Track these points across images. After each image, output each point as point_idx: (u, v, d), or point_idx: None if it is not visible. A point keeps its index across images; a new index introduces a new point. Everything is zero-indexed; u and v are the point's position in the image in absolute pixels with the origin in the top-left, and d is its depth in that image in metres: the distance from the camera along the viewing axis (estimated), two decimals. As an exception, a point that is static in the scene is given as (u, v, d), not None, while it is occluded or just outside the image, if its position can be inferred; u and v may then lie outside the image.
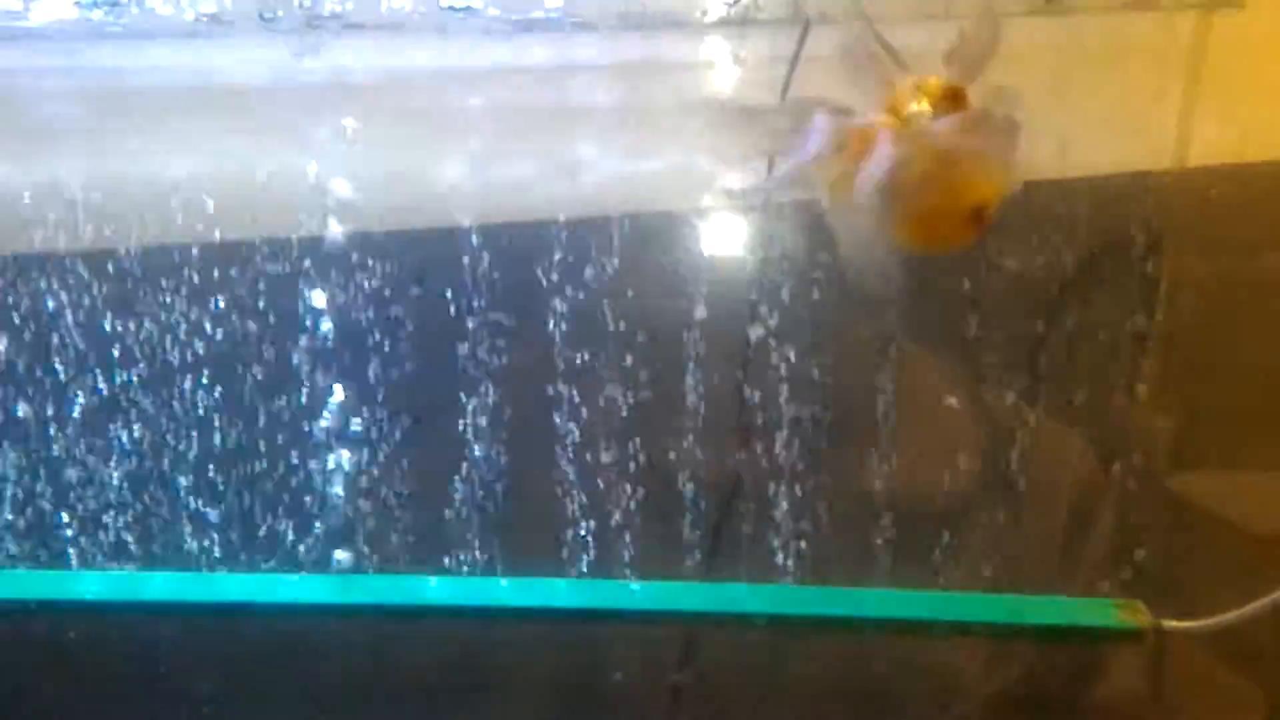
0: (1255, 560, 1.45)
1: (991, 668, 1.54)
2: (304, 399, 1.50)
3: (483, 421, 1.51)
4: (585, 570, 1.48)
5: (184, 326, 1.50)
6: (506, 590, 1.47)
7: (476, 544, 1.50)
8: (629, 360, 1.50)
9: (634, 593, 1.46)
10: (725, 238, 1.55)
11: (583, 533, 1.50)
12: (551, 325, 1.50)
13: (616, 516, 1.50)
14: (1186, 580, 1.51)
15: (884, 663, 1.56)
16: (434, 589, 1.48)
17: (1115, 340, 1.54)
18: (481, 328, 1.50)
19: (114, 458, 1.52)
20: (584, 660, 1.59)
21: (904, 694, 1.58)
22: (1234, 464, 1.60)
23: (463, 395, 1.50)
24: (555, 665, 1.57)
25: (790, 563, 1.48)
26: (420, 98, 1.49)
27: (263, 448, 1.51)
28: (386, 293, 1.50)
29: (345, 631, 1.55)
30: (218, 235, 1.47)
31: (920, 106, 0.93)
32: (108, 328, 1.49)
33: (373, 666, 1.56)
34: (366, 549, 1.51)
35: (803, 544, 1.48)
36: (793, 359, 1.50)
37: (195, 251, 1.47)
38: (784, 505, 1.49)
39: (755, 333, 1.50)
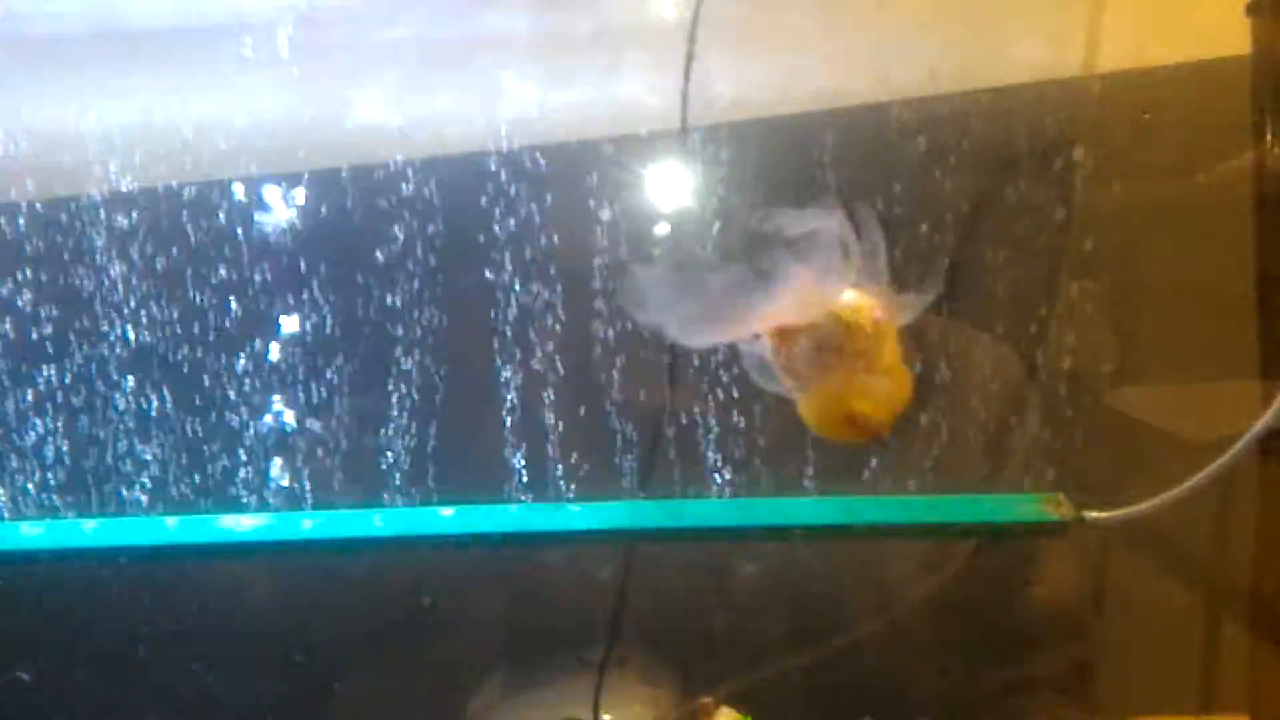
0: (1184, 463, 1.49)
1: (924, 568, 1.58)
2: (239, 340, 1.52)
3: (418, 356, 1.53)
4: (523, 496, 1.50)
5: (110, 274, 1.51)
6: (449, 519, 1.49)
7: (415, 475, 1.53)
8: (559, 288, 1.52)
9: (574, 514, 1.48)
10: (649, 165, 1.57)
11: (519, 459, 1.52)
12: (483, 257, 1.51)
13: (552, 442, 1.52)
14: (1119, 485, 1.55)
15: (819, 570, 1.60)
16: (376, 522, 1.50)
17: (1034, 251, 1.58)
18: (411, 263, 1.51)
19: (40, 408, 1.53)
20: (529, 583, 1.63)
21: (840, 599, 1.63)
22: (1157, 376, 1.64)
23: (397, 329, 1.52)
24: (501, 590, 1.62)
25: (724, 477, 1.51)
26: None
27: (197, 390, 1.52)
28: (312, 233, 1.51)
29: (290, 569, 1.57)
30: (134, 183, 1.48)
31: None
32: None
33: (319, 602, 1.59)
34: (306, 485, 1.53)
35: (735, 457, 1.51)
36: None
37: (110, 200, 1.48)
38: (714, 421, 1.52)
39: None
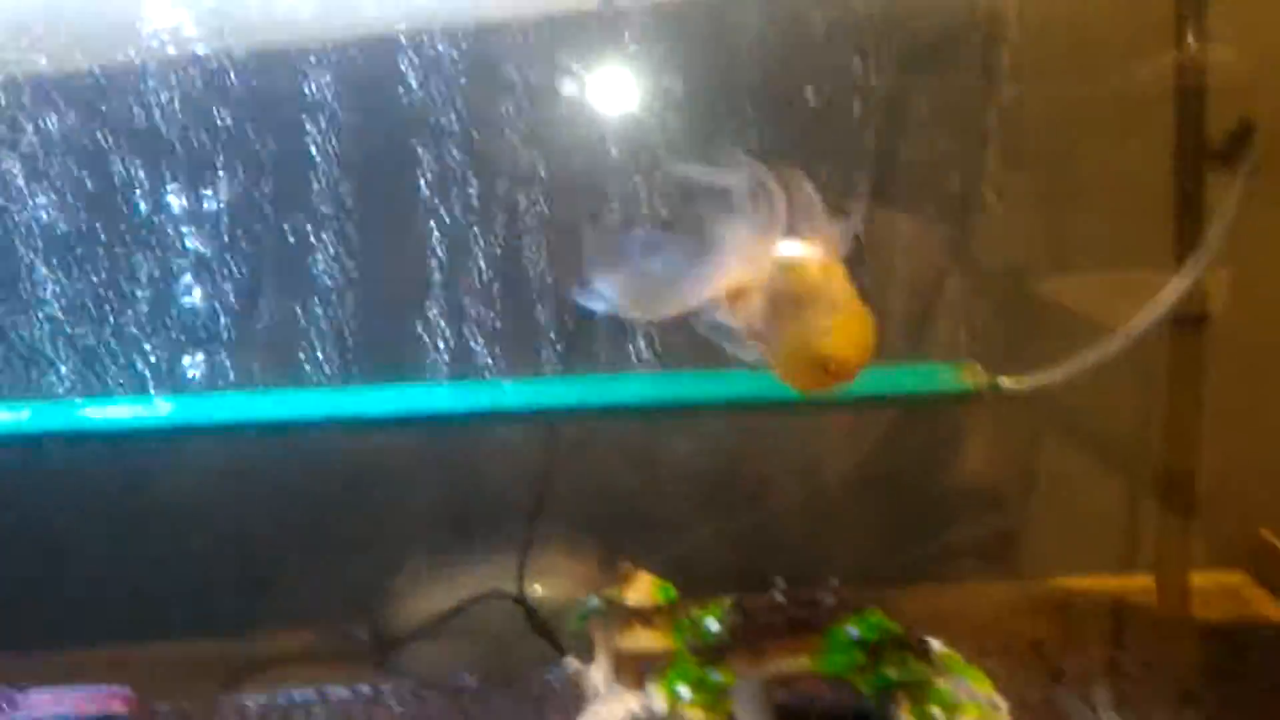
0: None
1: (851, 439, 1.62)
2: (156, 220, 1.51)
3: (339, 240, 1.53)
4: (449, 373, 1.52)
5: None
6: (382, 397, 1.50)
7: (337, 356, 1.53)
8: (482, 167, 1.52)
9: (501, 392, 1.50)
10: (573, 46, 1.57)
11: (444, 337, 1.53)
12: (402, 135, 1.51)
13: (476, 320, 1.53)
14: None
15: (744, 442, 1.64)
16: (306, 401, 1.50)
17: (957, 141, 1.60)
18: (330, 144, 1.51)
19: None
20: (462, 459, 1.65)
21: (765, 470, 1.67)
22: (1080, 265, 1.68)
23: (315, 212, 1.52)
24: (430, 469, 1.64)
25: (648, 353, 1.54)
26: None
27: (113, 271, 1.51)
28: (233, 114, 1.50)
29: (216, 450, 1.58)
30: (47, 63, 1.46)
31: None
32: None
33: (249, 483, 1.60)
34: (228, 364, 1.53)
35: (658, 334, 1.54)
36: (645, 159, 1.53)
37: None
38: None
39: (609, 134, 1.53)
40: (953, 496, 1.68)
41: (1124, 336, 1.43)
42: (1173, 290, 1.44)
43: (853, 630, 1.31)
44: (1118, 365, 1.50)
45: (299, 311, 1.52)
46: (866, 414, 1.62)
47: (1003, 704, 1.32)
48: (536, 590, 1.60)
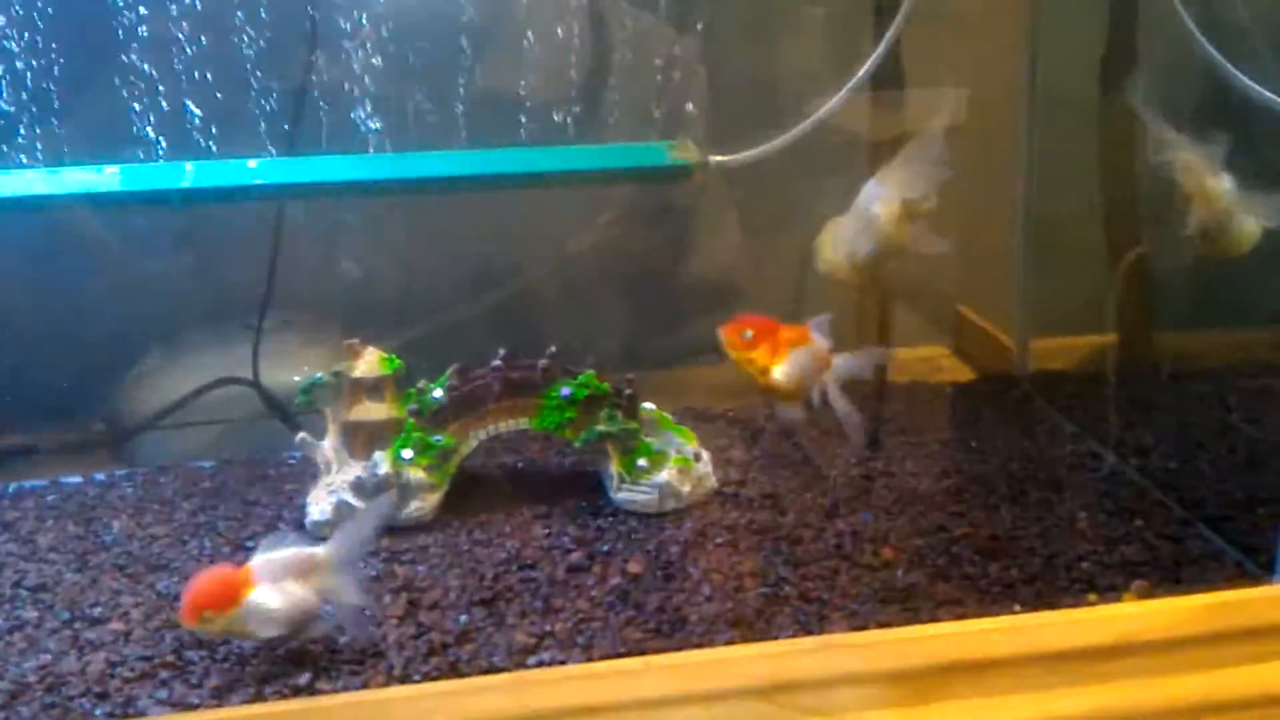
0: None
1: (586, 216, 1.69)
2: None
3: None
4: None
5: None
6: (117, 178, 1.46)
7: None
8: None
9: (249, 170, 1.47)
10: None
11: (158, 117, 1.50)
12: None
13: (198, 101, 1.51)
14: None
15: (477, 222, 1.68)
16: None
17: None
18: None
19: None
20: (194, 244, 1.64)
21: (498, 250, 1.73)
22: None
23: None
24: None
25: (375, 134, 1.54)
26: None
27: None
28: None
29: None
30: None
31: None
32: None
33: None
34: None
35: (381, 117, 1.55)
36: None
37: None
38: (363, 80, 1.54)
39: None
40: (681, 280, 1.77)
41: (828, 110, 1.51)
42: (875, 58, 1.51)
43: (565, 390, 1.38)
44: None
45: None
46: (598, 192, 1.68)
47: (705, 456, 1.43)
48: (271, 374, 1.60)
